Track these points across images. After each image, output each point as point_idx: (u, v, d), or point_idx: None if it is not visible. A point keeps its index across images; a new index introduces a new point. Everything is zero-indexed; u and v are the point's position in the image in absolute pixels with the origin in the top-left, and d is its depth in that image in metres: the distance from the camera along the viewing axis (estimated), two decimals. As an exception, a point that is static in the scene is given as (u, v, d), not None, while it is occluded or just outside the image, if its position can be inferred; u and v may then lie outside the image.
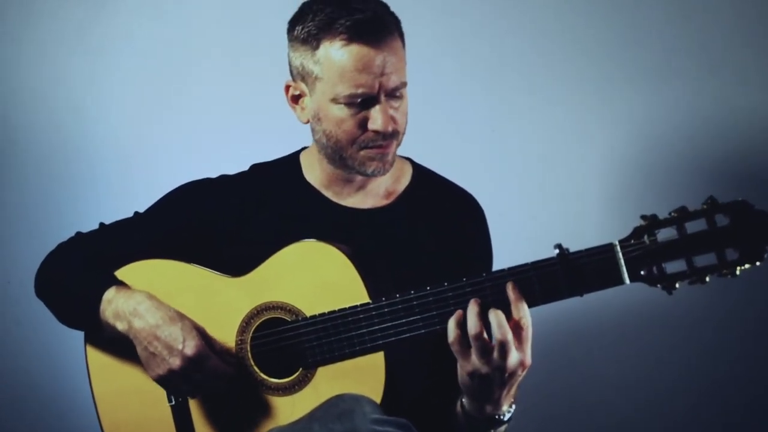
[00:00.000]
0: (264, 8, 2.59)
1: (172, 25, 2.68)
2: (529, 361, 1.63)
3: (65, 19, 2.69)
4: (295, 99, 1.89)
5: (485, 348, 1.61)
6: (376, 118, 1.79)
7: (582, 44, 2.57)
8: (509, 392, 1.69)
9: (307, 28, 1.80)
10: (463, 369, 1.65)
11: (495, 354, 1.60)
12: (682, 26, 2.53)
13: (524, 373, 1.65)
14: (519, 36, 2.58)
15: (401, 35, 1.83)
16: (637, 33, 2.55)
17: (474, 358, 1.62)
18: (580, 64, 2.56)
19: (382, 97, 1.79)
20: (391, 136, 1.82)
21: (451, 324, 1.64)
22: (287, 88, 1.89)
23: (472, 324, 1.61)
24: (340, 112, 1.80)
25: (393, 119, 1.80)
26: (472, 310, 1.62)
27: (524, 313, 1.61)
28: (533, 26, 2.58)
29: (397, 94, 1.81)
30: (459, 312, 1.64)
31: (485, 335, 1.61)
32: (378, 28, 1.77)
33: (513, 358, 1.60)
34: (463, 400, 1.74)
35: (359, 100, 1.78)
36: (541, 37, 2.58)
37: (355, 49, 1.76)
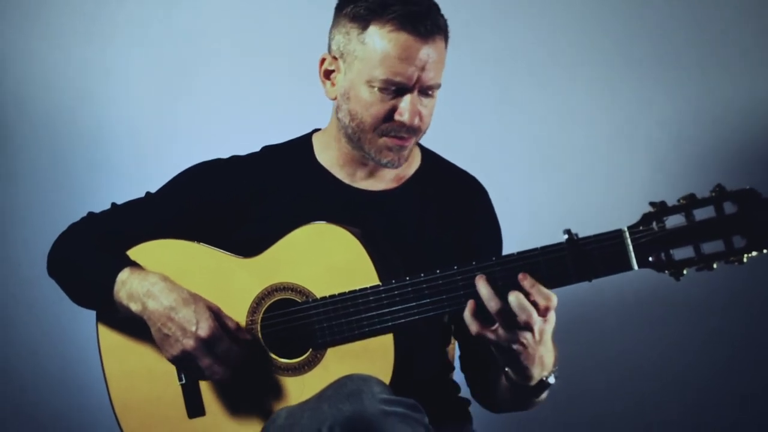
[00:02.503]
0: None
1: (184, 10, 2.69)
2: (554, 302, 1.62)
3: (77, 6, 2.70)
4: (327, 74, 1.90)
5: (509, 320, 1.61)
6: (405, 110, 1.81)
7: (589, 31, 2.59)
8: (548, 347, 1.67)
9: (359, 7, 1.81)
10: (500, 351, 1.65)
11: (524, 330, 1.61)
12: (690, 14, 2.54)
13: (553, 318, 1.64)
14: (527, 25, 2.61)
15: (446, 38, 1.85)
16: (644, 21, 2.56)
17: (503, 333, 1.62)
18: (588, 51, 2.58)
19: (416, 91, 1.81)
20: (414, 131, 1.84)
21: (468, 317, 1.64)
22: (322, 61, 1.90)
23: (491, 305, 1.61)
24: (371, 95, 1.82)
25: (420, 115, 1.82)
26: (484, 292, 1.62)
27: (545, 295, 1.61)
28: (541, 16, 2.60)
29: (430, 92, 1.83)
30: (471, 303, 1.64)
31: (504, 306, 1.61)
32: (429, 23, 1.79)
33: (539, 323, 1.61)
34: (509, 373, 1.73)
35: (393, 88, 1.80)
36: (548, 25, 2.60)
37: (403, 38, 1.78)
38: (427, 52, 1.79)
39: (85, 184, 2.70)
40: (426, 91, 1.82)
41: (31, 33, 2.70)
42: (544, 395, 1.76)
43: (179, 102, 2.69)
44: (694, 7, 2.55)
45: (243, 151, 2.03)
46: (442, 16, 1.85)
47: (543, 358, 1.68)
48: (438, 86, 1.84)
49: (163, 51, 2.70)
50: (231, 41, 2.69)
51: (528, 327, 1.61)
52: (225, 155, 2.02)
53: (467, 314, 1.64)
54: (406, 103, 1.81)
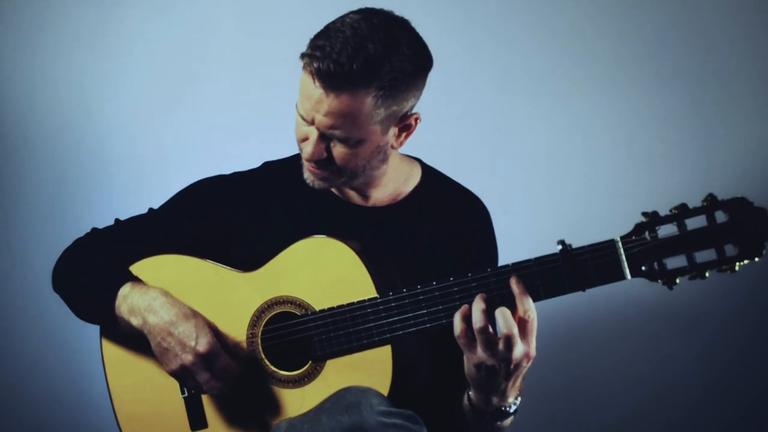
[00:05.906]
0: (274, 7, 2.61)
1: (184, 25, 2.71)
2: (533, 352, 1.67)
3: (78, 21, 2.72)
4: None
5: (489, 341, 1.64)
6: (307, 143, 1.83)
7: (587, 46, 2.60)
8: (515, 384, 1.72)
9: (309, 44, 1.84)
10: (469, 361, 1.68)
11: (500, 346, 1.64)
12: (685, 28, 2.55)
13: (529, 364, 1.68)
14: (526, 38, 2.62)
15: (378, 91, 1.75)
16: (641, 34, 2.58)
17: (479, 350, 1.65)
18: (585, 65, 2.60)
19: (317, 131, 1.80)
20: (324, 166, 1.83)
21: (457, 318, 1.67)
22: None
23: (477, 318, 1.65)
24: (299, 119, 1.84)
25: (327, 151, 1.81)
26: (477, 305, 1.65)
27: (528, 306, 1.64)
28: (540, 28, 2.61)
29: (339, 138, 1.79)
30: (465, 306, 1.67)
31: (490, 329, 1.65)
32: (337, 79, 1.74)
33: (518, 350, 1.64)
34: (470, 393, 1.77)
35: (302, 118, 1.82)
36: (547, 39, 2.61)
37: (308, 78, 1.78)
38: (327, 102, 1.75)
39: (88, 197, 2.73)
40: (329, 136, 1.80)
41: (34, 49, 2.73)
42: (506, 422, 1.79)
43: (180, 116, 2.72)
44: (693, 23, 2.57)
45: (245, 166, 2.04)
46: (376, 70, 1.73)
47: (505, 392, 1.71)
48: (346, 139, 1.79)
49: (166, 66, 2.72)
50: (234, 56, 2.71)
51: (507, 346, 1.63)
52: (228, 170, 2.04)
53: (458, 316, 1.67)
54: (310, 136, 1.82)
